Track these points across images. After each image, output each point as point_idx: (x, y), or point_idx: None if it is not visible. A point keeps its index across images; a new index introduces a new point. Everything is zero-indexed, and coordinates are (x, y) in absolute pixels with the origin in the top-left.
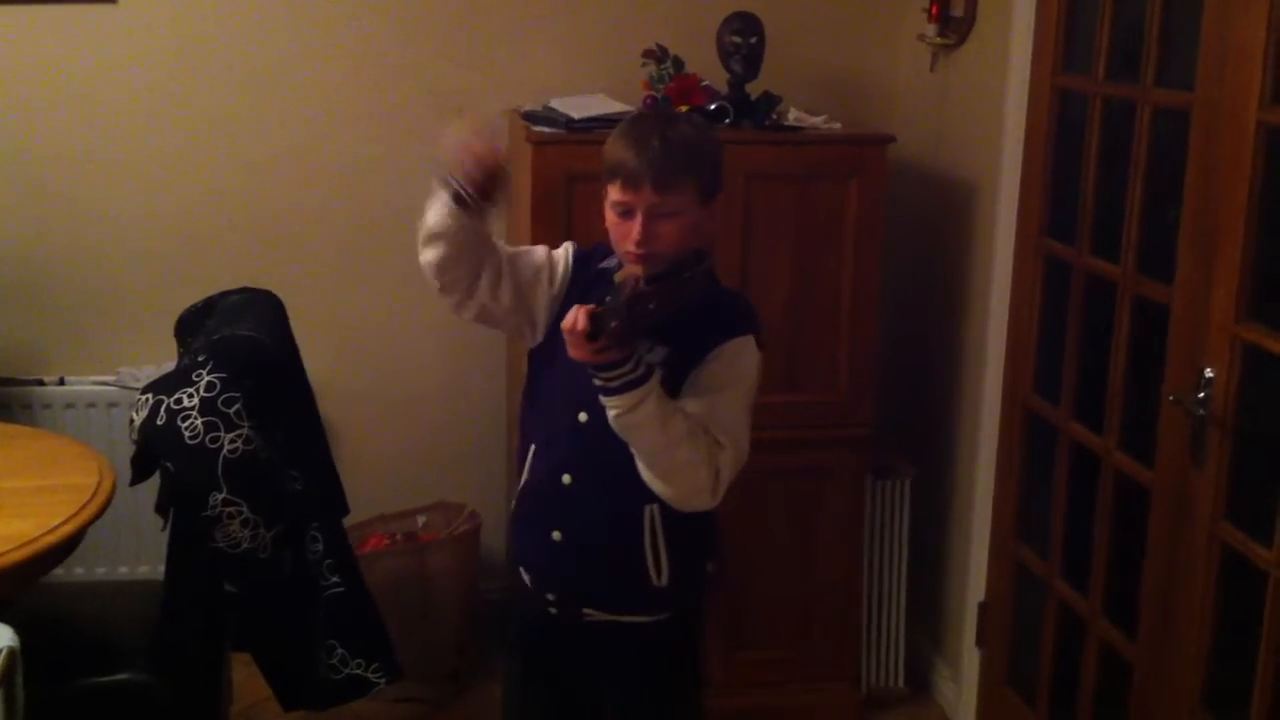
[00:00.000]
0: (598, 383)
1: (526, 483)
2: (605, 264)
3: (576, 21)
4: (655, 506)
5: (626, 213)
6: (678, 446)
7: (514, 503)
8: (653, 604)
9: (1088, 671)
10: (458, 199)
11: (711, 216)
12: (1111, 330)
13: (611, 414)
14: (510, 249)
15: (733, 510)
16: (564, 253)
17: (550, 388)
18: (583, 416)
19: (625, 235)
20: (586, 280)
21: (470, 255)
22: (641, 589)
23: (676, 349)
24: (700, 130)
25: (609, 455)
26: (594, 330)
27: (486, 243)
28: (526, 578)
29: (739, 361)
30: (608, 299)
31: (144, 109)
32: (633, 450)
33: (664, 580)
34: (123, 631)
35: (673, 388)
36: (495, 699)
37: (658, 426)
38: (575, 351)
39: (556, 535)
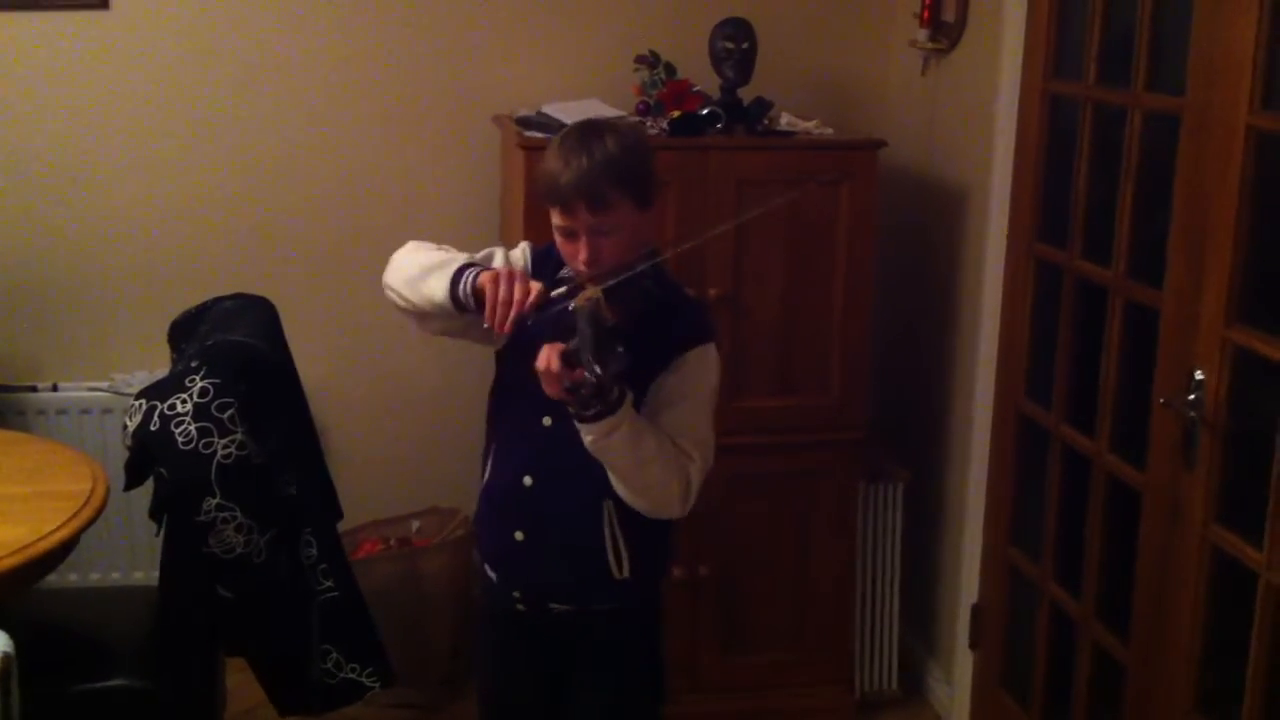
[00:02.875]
0: (572, 410)
1: (489, 482)
2: (564, 273)
3: (569, 27)
4: (611, 502)
5: (570, 234)
6: (650, 464)
7: (477, 501)
8: (616, 594)
9: (1081, 674)
10: (465, 309)
11: (652, 219)
12: (1103, 334)
13: (587, 439)
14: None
15: (726, 513)
16: (521, 254)
17: (516, 390)
18: (547, 421)
19: (573, 256)
20: (546, 281)
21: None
22: (605, 583)
23: (638, 357)
24: (627, 141)
25: (569, 457)
26: (568, 364)
27: None
28: (493, 575)
29: (702, 371)
30: (573, 342)
31: (136, 115)
32: (606, 467)
33: (625, 573)
34: (117, 637)
35: (636, 393)
36: None
37: (630, 449)
38: (550, 389)
39: (519, 535)
